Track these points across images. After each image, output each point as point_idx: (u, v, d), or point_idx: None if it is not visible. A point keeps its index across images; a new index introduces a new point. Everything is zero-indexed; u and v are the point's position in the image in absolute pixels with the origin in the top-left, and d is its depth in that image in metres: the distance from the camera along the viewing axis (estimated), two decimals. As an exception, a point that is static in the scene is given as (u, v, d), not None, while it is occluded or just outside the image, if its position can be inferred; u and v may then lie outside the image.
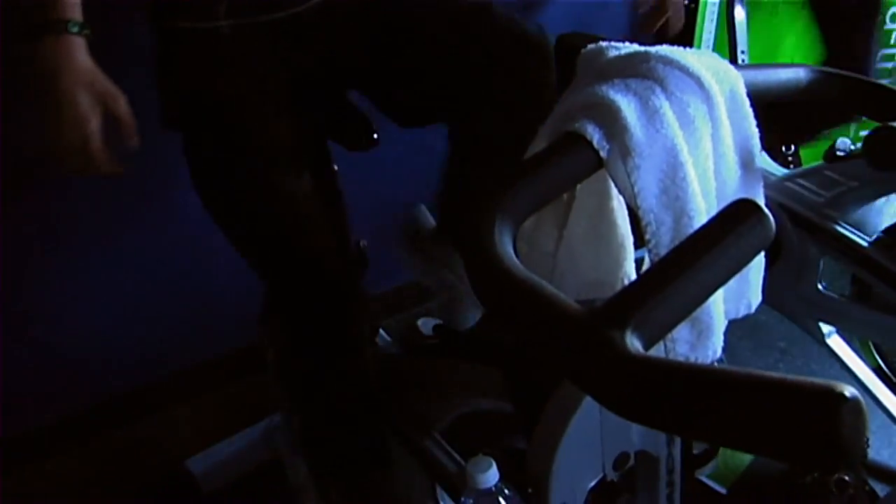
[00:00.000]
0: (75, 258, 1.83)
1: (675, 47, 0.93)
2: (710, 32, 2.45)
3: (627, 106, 0.85)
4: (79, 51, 1.11)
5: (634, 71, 0.89)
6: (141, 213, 1.87)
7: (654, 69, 0.88)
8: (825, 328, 1.41)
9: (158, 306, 1.95)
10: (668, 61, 0.89)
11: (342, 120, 1.44)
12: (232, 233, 1.32)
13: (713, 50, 2.45)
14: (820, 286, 1.34)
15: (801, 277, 1.37)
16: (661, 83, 0.87)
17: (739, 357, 2.15)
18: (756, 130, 0.98)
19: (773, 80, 1.05)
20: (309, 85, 1.34)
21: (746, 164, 0.98)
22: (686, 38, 2.39)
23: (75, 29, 1.11)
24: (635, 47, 0.94)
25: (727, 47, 2.25)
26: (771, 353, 2.20)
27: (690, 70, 0.89)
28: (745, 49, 2.25)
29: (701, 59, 0.92)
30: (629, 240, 0.99)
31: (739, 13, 2.22)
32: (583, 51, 0.95)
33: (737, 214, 0.72)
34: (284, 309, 1.39)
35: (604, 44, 0.95)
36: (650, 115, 0.85)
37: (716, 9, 2.41)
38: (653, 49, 0.91)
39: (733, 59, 2.23)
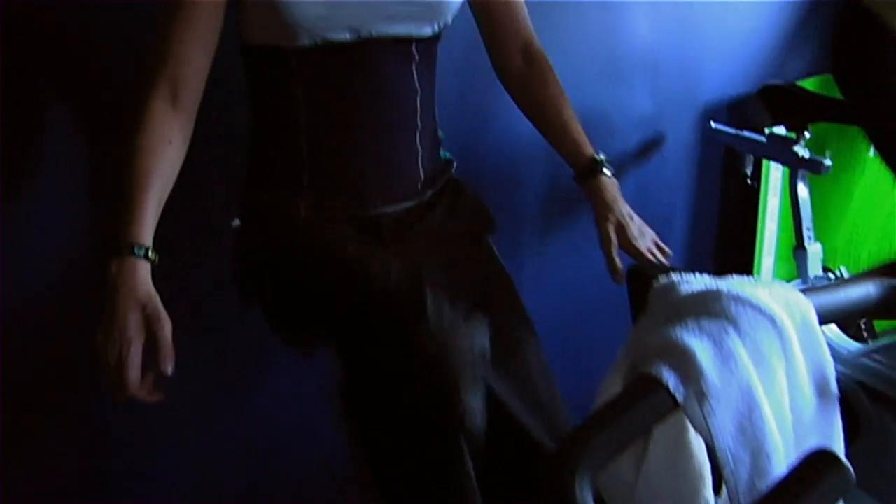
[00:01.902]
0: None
1: (747, 280, 0.96)
2: (775, 207, 2.48)
3: (702, 349, 0.87)
4: (139, 273, 1.19)
5: (707, 310, 0.91)
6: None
7: (726, 309, 0.90)
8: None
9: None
10: (739, 300, 0.91)
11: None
12: None
13: (779, 227, 2.48)
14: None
15: (885, 454, 1.34)
16: (733, 323, 0.89)
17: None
18: (830, 357, 0.99)
19: (844, 301, 1.07)
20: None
21: (822, 391, 0.98)
22: (749, 217, 2.43)
23: (140, 253, 1.19)
24: (706, 281, 0.97)
25: (792, 221, 2.27)
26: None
27: (762, 308, 0.91)
28: (809, 226, 2.27)
29: (772, 293, 0.95)
30: (707, 468, 0.99)
31: (802, 190, 2.25)
32: (655, 285, 0.98)
33: (815, 467, 0.73)
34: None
35: (675, 277, 0.98)
36: (724, 357, 0.87)
37: (779, 183, 2.45)
38: (724, 286, 0.93)
39: (799, 237, 2.25)
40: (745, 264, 2.50)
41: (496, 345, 1.23)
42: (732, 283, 0.95)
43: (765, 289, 0.95)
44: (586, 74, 2.09)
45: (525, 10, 1.50)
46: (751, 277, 0.98)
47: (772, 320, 0.91)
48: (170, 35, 1.25)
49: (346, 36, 1.27)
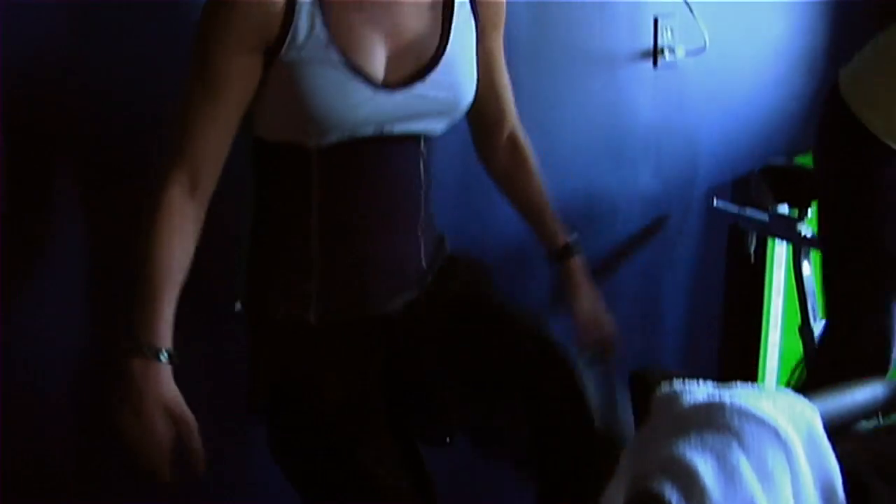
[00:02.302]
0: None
1: (751, 390, 0.95)
2: (781, 281, 2.48)
3: (705, 466, 0.86)
4: (163, 377, 1.20)
5: (710, 423, 0.90)
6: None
7: (730, 422, 0.89)
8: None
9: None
10: (743, 413, 0.90)
11: (421, 413, 1.47)
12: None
13: (785, 301, 2.47)
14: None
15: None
16: (738, 438, 0.89)
17: None
18: (836, 465, 0.98)
19: (850, 405, 1.06)
20: (393, 377, 1.39)
21: (829, 500, 0.97)
22: (755, 293, 2.43)
23: (164, 358, 1.19)
24: (709, 391, 0.96)
25: (797, 299, 2.27)
26: None
27: (767, 421, 0.90)
28: (815, 304, 2.26)
29: (776, 404, 0.94)
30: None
31: (807, 268, 2.25)
32: (657, 394, 0.97)
33: None
34: None
35: (678, 386, 0.97)
36: (728, 473, 0.86)
37: (784, 257, 2.45)
38: (728, 398, 0.93)
39: (804, 316, 2.24)
40: (752, 341, 2.49)
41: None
42: (736, 394, 0.94)
43: (769, 399, 0.94)
44: (590, 156, 2.11)
45: (512, 99, 1.53)
46: (755, 386, 0.97)
47: (776, 434, 0.90)
48: (190, 125, 1.24)
49: (369, 131, 1.28)
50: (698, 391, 0.97)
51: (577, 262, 1.52)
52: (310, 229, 1.32)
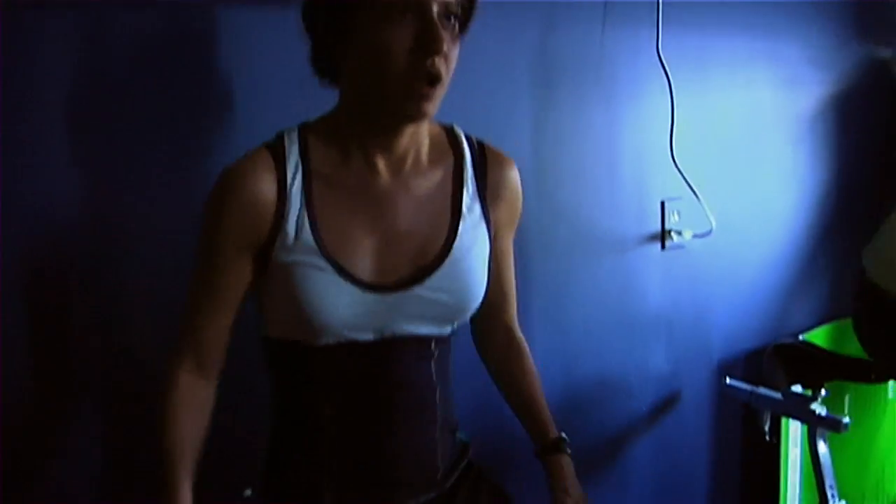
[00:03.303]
0: None
1: None
2: (797, 458, 2.45)
3: None
4: None
5: None
6: None
7: None
8: None
9: None
10: None
11: None
12: None
13: (802, 478, 2.44)
14: None
15: None
16: None
17: None
18: None
19: None
20: None
21: None
22: (771, 471, 2.40)
23: None
24: None
25: (814, 478, 2.23)
26: None
27: None
28: (832, 483, 2.23)
29: None
30: None
31: (822, 447, 2.23)
32: None
33: None
34: None
35: None
36: None
37: (799, 434, 2.43)
38: None
39: (822, 496, 2.21)
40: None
41: None
42: None
43: None
44: (602, 337, 2.13)
45: (514, 295, 1.55)
46: None
47: None
48: (194, 314, 1.30)
49: (369, 336, 1.30)
50: None
51: (565, 460, 1.49)
52: (321, 426, 1.32)
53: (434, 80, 1.18)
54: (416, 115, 1.22)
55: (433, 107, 1.22)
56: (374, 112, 1.25)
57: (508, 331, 1.56)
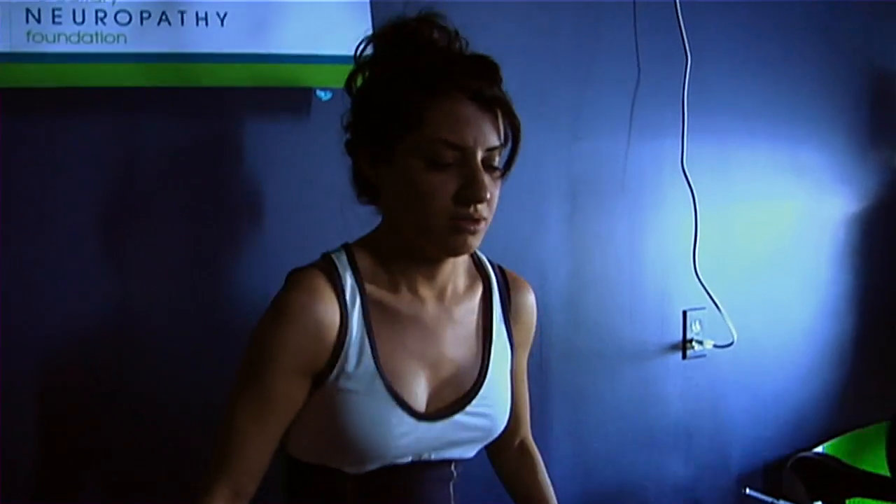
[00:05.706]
0: None
1: None
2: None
3: None
4: None
5: None
6: None
7: None
8: None
9: None
10: None
11: None
12: None
13: None
14: None
15: None
16: None
17: None
18: None
19: None
20: None
21: None
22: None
23: None
24: None
25: None
26: None
27: None
28: None
29: None
30: None
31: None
32: None
33: None
34: None
35: None
36: None
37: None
38: None
39: None
40: None
41: None
42: None
43: None
44: (621, 446, 2.11)
45: (528, 408, 1.56)
46: None
47: None
48: (235, 439, 1.23)
49: (408, 460, 1.29)
50: None
51: None
52: None
53: (477, 223, 1.21)
54: (461, 250, 1.24)
55: (477, 241, 1.24)
56: (417, 242, 1.25)
57: (522, 443, 1.57)
